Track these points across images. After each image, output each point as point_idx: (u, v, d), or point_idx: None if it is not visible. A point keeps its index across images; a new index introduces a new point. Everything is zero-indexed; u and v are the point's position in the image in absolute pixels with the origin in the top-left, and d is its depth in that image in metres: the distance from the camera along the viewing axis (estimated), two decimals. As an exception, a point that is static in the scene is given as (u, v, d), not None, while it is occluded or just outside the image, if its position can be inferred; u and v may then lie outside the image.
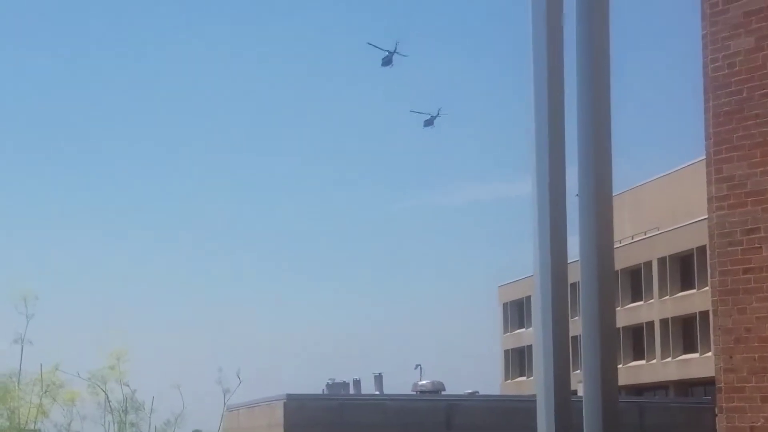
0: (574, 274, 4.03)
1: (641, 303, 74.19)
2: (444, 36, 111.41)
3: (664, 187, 76.25)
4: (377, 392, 60.05)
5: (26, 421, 45.53)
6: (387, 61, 76.29)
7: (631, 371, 72.70)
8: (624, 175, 70.55)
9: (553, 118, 4.19)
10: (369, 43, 77.36)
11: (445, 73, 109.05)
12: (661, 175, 77.90)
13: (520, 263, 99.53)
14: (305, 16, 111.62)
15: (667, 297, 71.90)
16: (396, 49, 75.19)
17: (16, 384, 45.99)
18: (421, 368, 71.65)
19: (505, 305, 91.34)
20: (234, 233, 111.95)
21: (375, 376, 61.21)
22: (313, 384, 61.59)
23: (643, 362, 74.29)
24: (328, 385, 59.84)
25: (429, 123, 79.68)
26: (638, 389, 72.06)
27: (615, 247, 4.28)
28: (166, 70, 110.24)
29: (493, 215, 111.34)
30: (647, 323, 73.83)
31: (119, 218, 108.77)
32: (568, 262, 4.20)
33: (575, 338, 4.01)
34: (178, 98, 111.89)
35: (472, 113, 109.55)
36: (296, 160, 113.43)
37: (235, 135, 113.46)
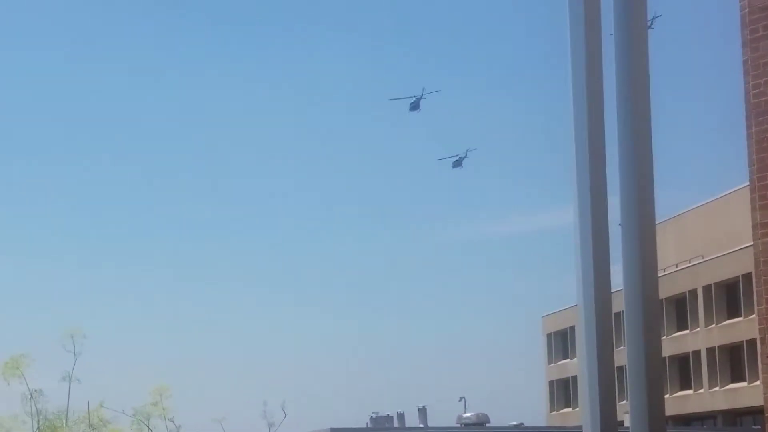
0: (618, 304, 3.99)
1: (687, 332, 73.61)
2: (472, 74, 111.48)
3: (708, 215, 75.78)
4: (421, 425, 59.96)
5: (73, 459, 45.67)
6: (414, 106, 79.06)
7: (678, 401, 72.08)
8: (667, 203, 70.24)
9: (593, 148, 4.16)
10: (391, 99, 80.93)
11: (479, 108, 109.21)
12: (705, 202, 77.45)
13: (564, 293, 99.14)
14: (332, 61, 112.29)
15: (713, 325, 71.31)
16: (422, 94, 78.09)
17: (64, 422, 46.16)
18: (465, 400, 71.56)
19: (548, 336, 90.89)
20: (276, 267, 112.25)
21: (419, 409, 61.20)
22: (357, 417, 61.53)
23: (690, 392, 73.63)
24: (372, 418, 59.82)
25: (457, 164, 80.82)
26: (686, 419, 71.43)
27: (659, 275, 4.23)
28: (193, 105, 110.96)
29: (537, 246, 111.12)
30: (693, 352, 73.22)
31: (157, 255, 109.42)
32: (612, 291, 4.16)
33: (621, 368, 3.97)
34: (216, 137, 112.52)
35: (510, 146, 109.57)
36: (331, 197, 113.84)
37: (270, 176, 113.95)
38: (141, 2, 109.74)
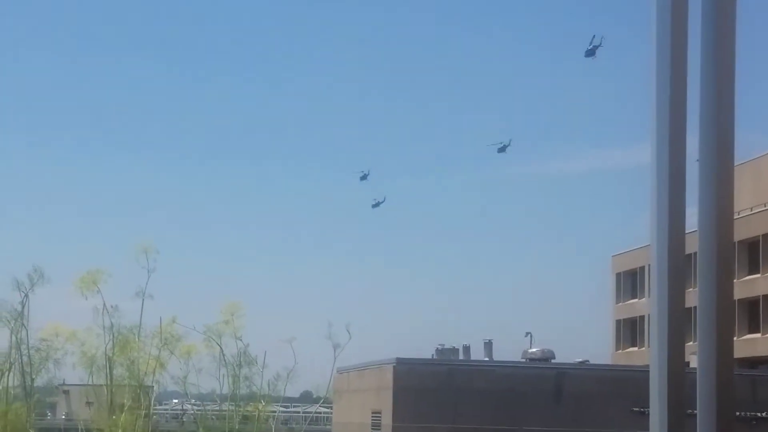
0: (692, 245, 3.99)
1: (758, 275, 73.30)
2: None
3: (785, 159, 74.97)
4: (486, 359, 60.13)
5: (145, 372, 46.50)
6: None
7: (746, 344, 71.90)
8: (745, 145, 69.42)
9: (675, 85, 4.13)
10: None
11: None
12: (783, 146, 76.57)
13: (635, 233, 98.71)
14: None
15: (785, 270, 70.99)
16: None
17: (136, 336, 46.90)
18: (531, 336, 71.64)
19: (618, 275, 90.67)
20: (353, 199, 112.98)
21: (485, 343, 61.38)
22: (423, 348, 61.93)
23: (758, 335, 73.44)
24: (437, 350, 60.15)
25: None
26: (752, 362, 71.31)
27: (734, 218, 4.21)
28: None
29: (609, 185, 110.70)
30: (764, 296, 73.04)
31: (239, 174, 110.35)
32: (686, 232, 4.15)
33: (691, 310, 3.98)
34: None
35: (585, 81, 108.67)
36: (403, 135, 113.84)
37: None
38: None
